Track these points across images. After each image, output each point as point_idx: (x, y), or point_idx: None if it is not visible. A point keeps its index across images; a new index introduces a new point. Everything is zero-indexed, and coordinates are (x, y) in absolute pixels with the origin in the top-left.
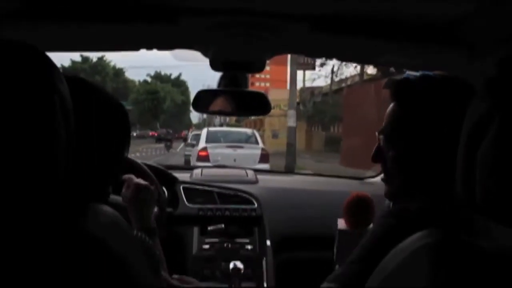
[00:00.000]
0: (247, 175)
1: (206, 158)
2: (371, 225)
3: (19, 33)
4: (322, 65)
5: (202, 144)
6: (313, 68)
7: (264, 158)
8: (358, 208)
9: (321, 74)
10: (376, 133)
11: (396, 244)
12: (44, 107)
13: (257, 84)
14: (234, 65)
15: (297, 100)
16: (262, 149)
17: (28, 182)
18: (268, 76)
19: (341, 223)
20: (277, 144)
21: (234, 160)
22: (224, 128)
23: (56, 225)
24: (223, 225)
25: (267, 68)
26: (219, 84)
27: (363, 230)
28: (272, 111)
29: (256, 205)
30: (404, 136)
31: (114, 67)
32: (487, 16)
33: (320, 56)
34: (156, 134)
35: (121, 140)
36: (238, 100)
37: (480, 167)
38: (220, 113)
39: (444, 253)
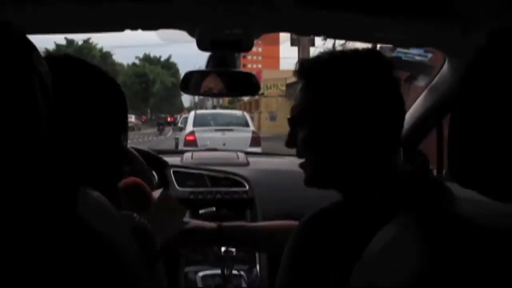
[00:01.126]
0: (238, 158)
1: (193, 143)
2: (153, 203)
3: (1, 14)
4: (325, 38)
5: (189, 128)
6: (313, 44)
7: (255, 141)
8: (125, 194)
9: (326, 47)
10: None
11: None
12: (23, 88)
13: (249, 65)
14: (221, 44)
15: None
16: (253, 132)
17: (9, 162)
18: (260, 58)
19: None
20: (275, 127)
21: (224, 144)
22: (213, 111)
23: (40, 204)
24: (214, 208)
25: (259, 49)
26: (207, 64)
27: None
28: (269, 91)
29: (247, 187)
30: (311, 115)
31: (101, 50)
32: None
33: (309, 34)
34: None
35: (117, 121)
36: (227, 81)
37: (473, 143)
38: (209, 94)
39: (432, 230)
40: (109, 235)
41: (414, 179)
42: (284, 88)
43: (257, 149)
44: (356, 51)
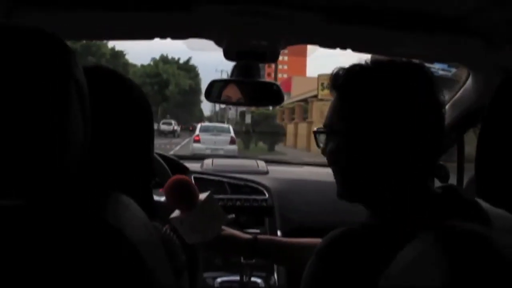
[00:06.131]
0: (257, 166)
1: (198, 141)
2: (199, 203)
3: (32, 21)
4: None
5: (197, 132)
6: None
7: (232, 141)
8: (174, 191)
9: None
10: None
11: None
12: (60, 92)
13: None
14: (248, 55)
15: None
16: (231, 136)
17: (42, 161)
18: (286, 67)
19: (175, 213)
20: None
21: (214, 142)
22: (212, 124)
23: (68, 211)
24: (234, 215)
25: (285, 58)
26: (232, 73)
27: (190, 210)
28: (325, 92)
29: (267, 195)
30: (343, 127)
31: (112, 49)
32: (504, 7)
33: (334, 47)
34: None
35: (143, 130)
36: (251, 90)
37: (503, 161)
38: (232, 102)
39: (457, 249)
40: (140, 244)
41: (446, 198)
42: None
43: (234, 146)
44: (393, 62)
